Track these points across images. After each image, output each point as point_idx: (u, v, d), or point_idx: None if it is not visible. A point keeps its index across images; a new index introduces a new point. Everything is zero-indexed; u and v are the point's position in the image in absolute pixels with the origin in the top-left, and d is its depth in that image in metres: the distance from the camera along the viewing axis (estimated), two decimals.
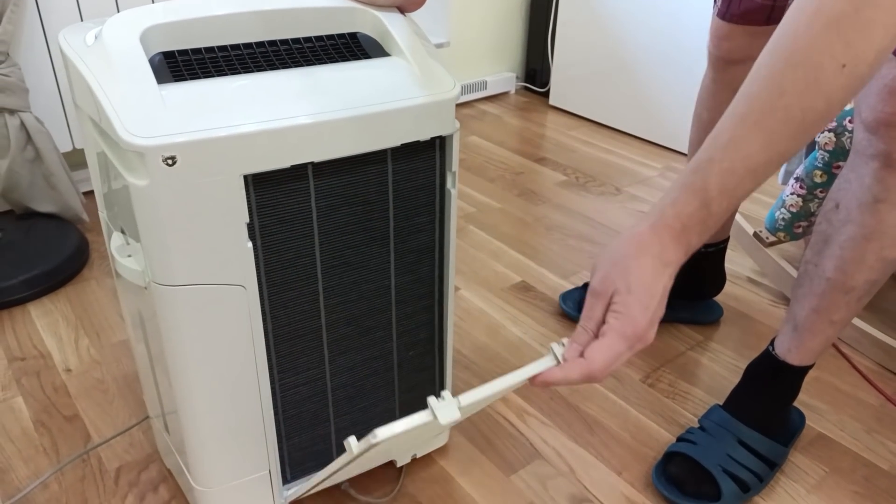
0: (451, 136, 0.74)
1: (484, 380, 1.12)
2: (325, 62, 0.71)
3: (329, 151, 0.67)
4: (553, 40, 2.27)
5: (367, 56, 0.73)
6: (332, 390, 0.82)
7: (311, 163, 0.67)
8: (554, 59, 2.27)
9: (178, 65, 0.66)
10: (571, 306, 1.27)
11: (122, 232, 0.72)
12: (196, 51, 0.68)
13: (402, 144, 0.71)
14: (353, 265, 0.75)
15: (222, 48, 0.69)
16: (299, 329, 0.75)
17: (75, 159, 1.63)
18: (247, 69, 0.67)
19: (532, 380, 0.62)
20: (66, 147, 1.52)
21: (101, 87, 0.61)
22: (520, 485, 0.94)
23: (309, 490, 0.83)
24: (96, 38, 0.66)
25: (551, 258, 1.47)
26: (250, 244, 0.67)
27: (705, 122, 1.11)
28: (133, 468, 0.95)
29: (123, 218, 0.69)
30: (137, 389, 1.08)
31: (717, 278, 1.26)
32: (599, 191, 1.77)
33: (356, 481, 0.93)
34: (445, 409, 0.59)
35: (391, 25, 0.74)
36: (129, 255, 0.69)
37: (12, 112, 1.37)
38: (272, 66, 0.68)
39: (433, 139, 0.73)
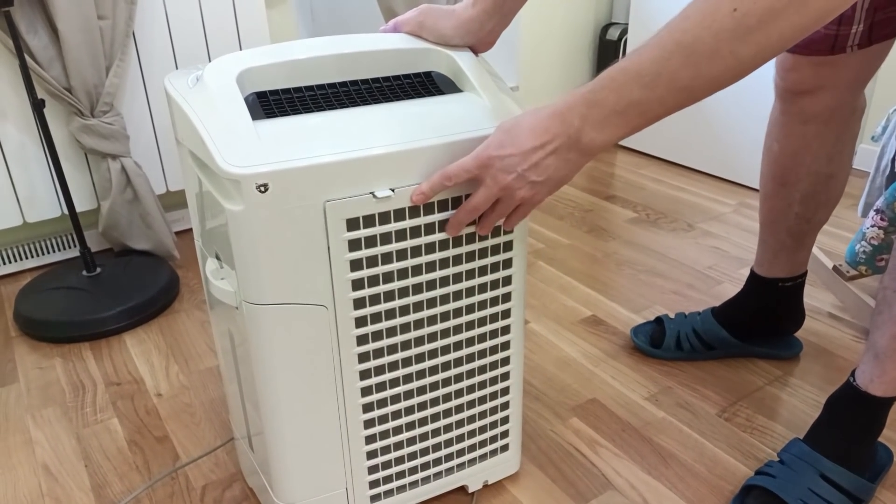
0: None
1: (555, 411, 1.12)
2: (402, 99, 0.76)
3: (404, 179, 0.71)
4: None
5: (440, 92, 0.78)
6: (408, 412, 0.84)
7: (392, 190, 0.71)
8: None
9: (269, 103, 0.73)
10: (643, 340, 1.27)
11: (217, 257, 0.78)
12: (285, 91, 0.74)
13: None
14: (430, 287, 0.78)
15: (308, 88, 0.76)
16: (378, 349, 0.79)
17: (169, 201, 1.75)
18: (330, 106, 0.73)
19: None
20: (160, 189, 1.64)
21: (202, 123, 0.68)
22: None
23: None
24: (197, 80, 0.73)
25: (622, 293, 1.47)
26: (331, 266, 0.71)
27: (776, 154, 1.11)
28: (218, 486, 1.00)
29: (219, 243, 0.75)
30: (223, 413, 1.14)
31: (796, 314, 1.23)
32: (671, 227, 1.77)
33: None
34: None
35: (463, 64, 0.79)
36: (223, 278, 0.75)
37: (115, 157, 1.49)
38: (353, 103, 0.74)
39: None
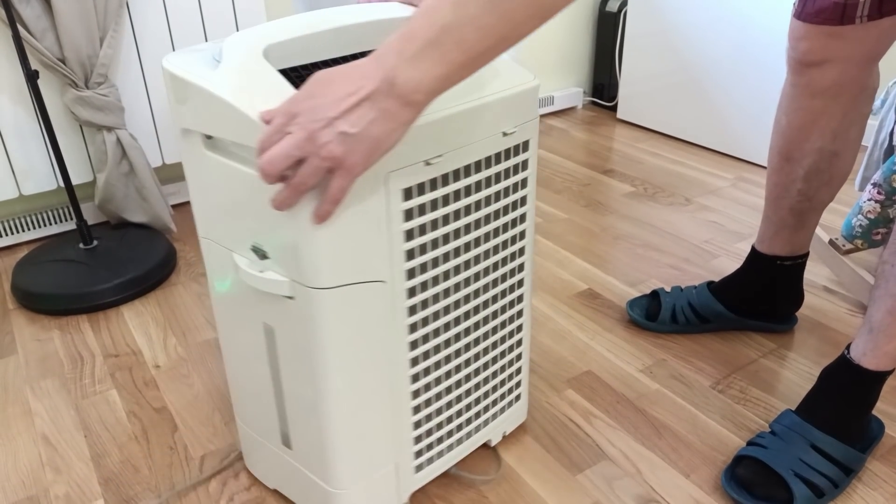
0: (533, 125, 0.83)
1: (550, 383, 1.13)
2: None
3: (448, 143, 0.72)
4: (621, 54, 2.28)
5: None
6: (446, 376, 0.86)
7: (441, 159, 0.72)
8: (622, 73, 2.28)
9: (302, 77, 0.69)
10: (639, 313, 1.27)
11: (255, 250, 0.74)
12: (314, 65, 0.72)
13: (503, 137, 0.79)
14: (467, 249, 0.81)
15: (334, 60, 0.74)
16: (425, 317, 0.80)
17: (165, 174, 1.74)
18: None
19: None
20: (156, 162, 1.63)
21: (240, 104, 0.64)
22: (586, 484, 0.95)
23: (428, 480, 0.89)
24: (217, 60, 0.70)
25: (618, 267, 1.47)
26: (390, 238, 0.72)
27: (783, 128, 1.10)
28: (216, 456, 1.01)
29: (260, 233, 0.72)
30: (221, 385, 1.15)
31: (794, 295, 1.23)
32: (669, 201, 1.76)
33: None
34: None
35: None
36: (263, 270, 0.72)
37: (110, 129, 1.48)
38: None
39: (518, 144, 0.82)
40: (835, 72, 1.00)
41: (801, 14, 0.99)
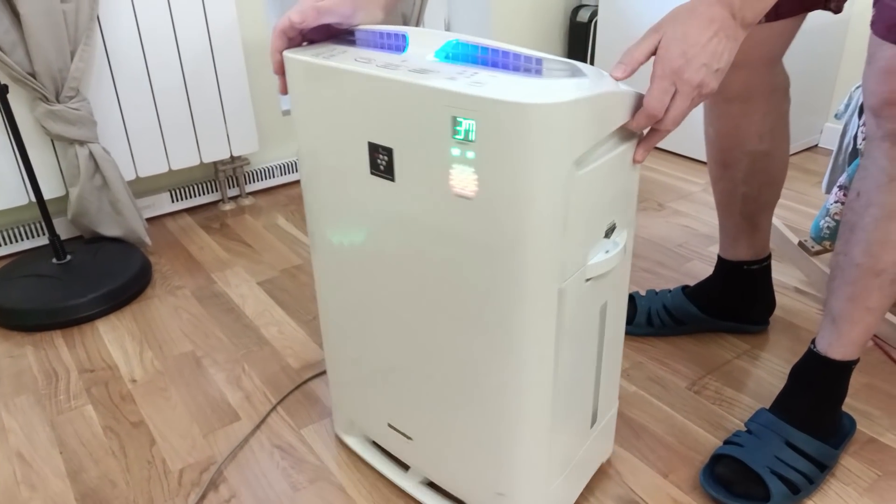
0: None
1: None
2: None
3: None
4: (592, 64, 2.31)
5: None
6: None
7: None
8: None
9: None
10: None
11: (608, 233, 0.75)
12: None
13: None
14: None
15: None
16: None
17: (139, 187, 1.73)
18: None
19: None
20: (130, 175, 1.62)
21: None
22: None
23: None
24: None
25: None
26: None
27: (712, 138, 1.13)
28: (195, 469, 1.00)
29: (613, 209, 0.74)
30: (199, 397, 1.14)
31: (766, 299, 1.25)
32: (642, 207, 1.79)
33: None
34: None
35: None
36: (607, 251, 0.74)
37: (82, 143, 1.47)
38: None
39: None
40: (742, 76, 1.03)
41: None
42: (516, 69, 0.67)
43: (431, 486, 0.94)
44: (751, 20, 0.71)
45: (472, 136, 0.63)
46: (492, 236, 0.67)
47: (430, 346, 0.79)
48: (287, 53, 0.77)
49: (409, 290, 0.78)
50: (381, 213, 0.76)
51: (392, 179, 0.72)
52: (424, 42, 0.74)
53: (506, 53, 0.68)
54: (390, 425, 0.91)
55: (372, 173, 0.74)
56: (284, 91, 0.81)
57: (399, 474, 0.96)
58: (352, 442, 1.02)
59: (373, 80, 0.69)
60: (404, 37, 0.75)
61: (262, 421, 1.09)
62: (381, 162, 0.72)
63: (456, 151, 0.65)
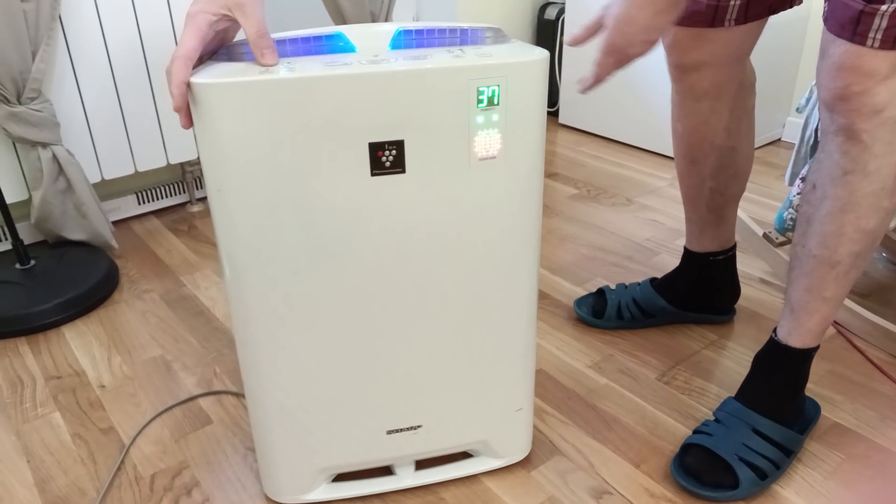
0: None
1: None
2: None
3: None
4: (560, 61, 2.33)
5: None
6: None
7: None
8: (562, 80, 2.33)
9: None
10: (586, 311, 1.30)
11: None
12: None
13: None
14: None
15: None
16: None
17: (104, 190, 1.70)
18: None
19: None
20: (95, 178, 1.59)
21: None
22: (540, 480, 0.97)
23: None
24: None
25: (565, 267, 1.51)
26: None
27: (680, 134, 1.15)
28: (167, 474, 0.99)
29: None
30: (169, 402, 1.13)
31: (731, 287, 1.28)
32: (611, 202, 1.81)
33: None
34: None
35: None
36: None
37: (45, 145, 1.44)
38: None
39: None
40: (710, 74, 1.06)
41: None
42: (474, 42, 0.76)
43: (419, 467, 0.96)
44: None
45: (496, 100, 0.72)
46: (518, 185, 0.77)
47: (436, 333, 0.83)
48: (201, 80, 0.68)
49: (409, 290, 0.79)
50: (383, 213, 0.75)
51: (403, 171, 0.73)
52: (365, 36, 0.76)
53: (452, 31, 0.77)
54: (389, 431, 0.90)
55: (374, 174, 0.72)
56: (188, 126, 0.71)
57: (387, 480, 0.95)
58: (319, 493, 0.93)
59: (373, 79, 0.68)
60: (339, 36, 0.75)
61: (235, 424, 1.08)
62: (388, 158, 0.72)
63: (480, 118, 0.72)
